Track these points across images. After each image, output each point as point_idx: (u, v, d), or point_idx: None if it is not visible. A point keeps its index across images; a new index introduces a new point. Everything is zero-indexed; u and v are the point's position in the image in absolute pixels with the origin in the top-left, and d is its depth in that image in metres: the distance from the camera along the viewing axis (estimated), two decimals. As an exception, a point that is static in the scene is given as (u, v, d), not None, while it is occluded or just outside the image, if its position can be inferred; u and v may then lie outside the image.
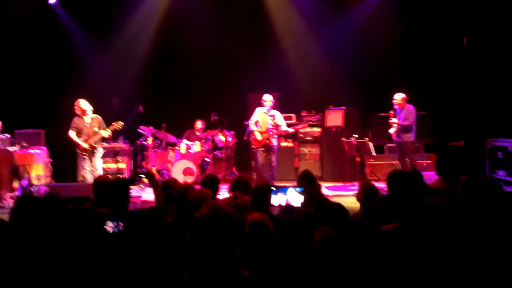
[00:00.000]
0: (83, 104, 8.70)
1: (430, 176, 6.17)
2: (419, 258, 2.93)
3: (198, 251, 2.61)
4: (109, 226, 3.57)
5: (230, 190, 5.07)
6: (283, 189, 4.28)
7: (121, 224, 3.48)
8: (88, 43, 11.71)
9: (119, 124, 8.79)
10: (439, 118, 10.75)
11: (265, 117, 9.07)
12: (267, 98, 9.10)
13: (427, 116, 10.39)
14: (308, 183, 4.84)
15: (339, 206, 3.62)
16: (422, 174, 4.51)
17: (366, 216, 4.10)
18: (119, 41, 11.67)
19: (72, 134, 8.72)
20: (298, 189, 4.22)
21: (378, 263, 3.06)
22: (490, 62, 10.06)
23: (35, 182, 9.27)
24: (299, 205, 4.14)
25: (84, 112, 8.68)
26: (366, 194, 4.18)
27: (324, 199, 4.79)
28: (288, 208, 4.14)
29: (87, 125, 8.67)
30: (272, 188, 4.29)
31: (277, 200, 4.23)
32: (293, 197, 4.15)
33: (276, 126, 9.09)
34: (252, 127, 9.16)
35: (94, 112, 8.84)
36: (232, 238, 2.66)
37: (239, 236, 3.16)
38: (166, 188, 4.90)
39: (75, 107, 8.72)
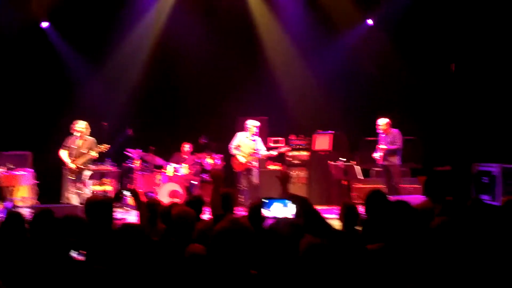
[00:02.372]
0: (80, 125, 8.71)
1: (416, 200, 6.20)
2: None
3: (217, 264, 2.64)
4: (74, 253, 3.50)
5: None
6: (270, 202, 4.31)
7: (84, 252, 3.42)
8: (79, 66, 11.77)
9: (104, 147, 8.80)
10: (427, 143, 10.80)
11: (247, 141, 9.33)
12: (254, 124, 9.31)
13: (416, 141, 10.46)
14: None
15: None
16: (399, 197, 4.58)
17: (347, 233, 4.14)
18: (110, 64, 11.74)
19: (62, 153, 8.72)
20: (286, 201, 4.22)
21: (363, 277, 3.08)
22: (477, 88, 10.21)
23: (19, 204, 9.20)
24: (290, 217, 4.16)
25: (79, 133, 8.67)
26: (347, 213, 4.24)
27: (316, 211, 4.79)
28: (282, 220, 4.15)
29: (78, 146, 8.66)
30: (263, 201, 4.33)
31: (267, 212, 4.26)
32: (281, 210, 4.17)
33: (257, 151, 9.36)
34: (234, 151, 9.41)
35: (84, 134, 8.88)
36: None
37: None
38: (150, 207, 4.89)
39: (72, 127, 8.71)
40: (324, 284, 2.72)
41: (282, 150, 9.98)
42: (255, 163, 9.36)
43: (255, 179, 9.32)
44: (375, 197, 4.39)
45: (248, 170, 9.31)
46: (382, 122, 9.13)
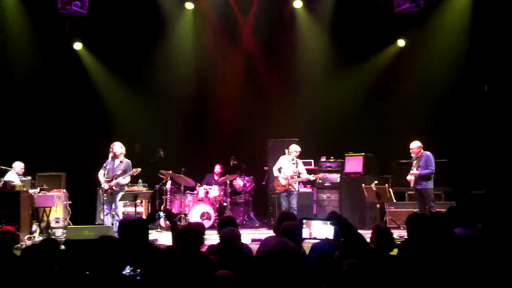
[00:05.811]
0: (116, 147, 8.92)
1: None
2: None
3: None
4: (127, 271, 3.57)
5: None
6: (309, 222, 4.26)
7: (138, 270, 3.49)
8: (112, 87, 11.94)
9: (135, 171, 8.91)
10: (461, 166, 10.55)
11: (289, 165, 9.65)
12: (296, 149, 9.69)
13: (448, 164, 10.25)
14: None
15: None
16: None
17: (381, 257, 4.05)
18: (143, 86, 11.88)
19: (100, 174, 8.91)
20: (325, 222, 4.15)
21: None
22: (510, 109, 9.99)
23: (53, 224, 9.32)
24: (329, 238, 4.09)
25: (115, 154, 8.83)
26: (380, 237, 4.11)
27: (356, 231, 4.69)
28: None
29: (113, 167, 8.81)
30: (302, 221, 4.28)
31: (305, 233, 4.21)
32: (319, 230, 4.12)
33: (298, 174, 9.64)
34: (276, 173, 9.78)
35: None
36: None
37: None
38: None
39: (110, 149, 8.90)
40: None
41: (319, 175, 10.08)
42: (296, 185, 9.69)
43: (294, 201, 9.61)
44: (417, 220, 4.26)
45: (288, 192, 9.60)
46: (414, 145, 9.03)
